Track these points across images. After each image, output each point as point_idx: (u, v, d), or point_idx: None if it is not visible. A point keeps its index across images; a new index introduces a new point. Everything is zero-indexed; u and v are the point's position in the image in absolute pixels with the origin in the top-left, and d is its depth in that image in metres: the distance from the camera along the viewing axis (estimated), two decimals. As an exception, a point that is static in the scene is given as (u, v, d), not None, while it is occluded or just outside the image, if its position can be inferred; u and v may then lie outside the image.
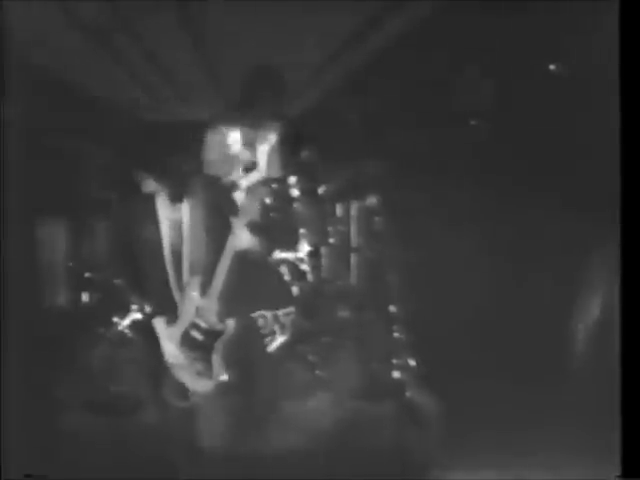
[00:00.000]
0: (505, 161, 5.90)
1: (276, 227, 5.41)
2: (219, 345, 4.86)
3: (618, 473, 3.32)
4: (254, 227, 5.06)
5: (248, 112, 5.39)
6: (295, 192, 5.57)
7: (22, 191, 5.05)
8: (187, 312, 4.89)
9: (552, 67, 5.46)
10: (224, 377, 4.86)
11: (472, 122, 6.00)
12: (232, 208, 5.30)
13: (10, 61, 4.96)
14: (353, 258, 5.73)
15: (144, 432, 4.93)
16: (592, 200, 5.17)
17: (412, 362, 5.42)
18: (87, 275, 5.60)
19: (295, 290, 5.48)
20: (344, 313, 5.58)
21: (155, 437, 4.93)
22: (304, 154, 5.52)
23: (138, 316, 5.36)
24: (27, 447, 4.50)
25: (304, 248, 5.52)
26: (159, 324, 4.95)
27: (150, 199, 5.56)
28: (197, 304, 4.89)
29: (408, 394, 5.25)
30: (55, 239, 5.73)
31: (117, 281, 5.51)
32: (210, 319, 4.84)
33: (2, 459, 4.28)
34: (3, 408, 4.39)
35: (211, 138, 5.41)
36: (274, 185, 5.48)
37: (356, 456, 4.90)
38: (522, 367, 5.54)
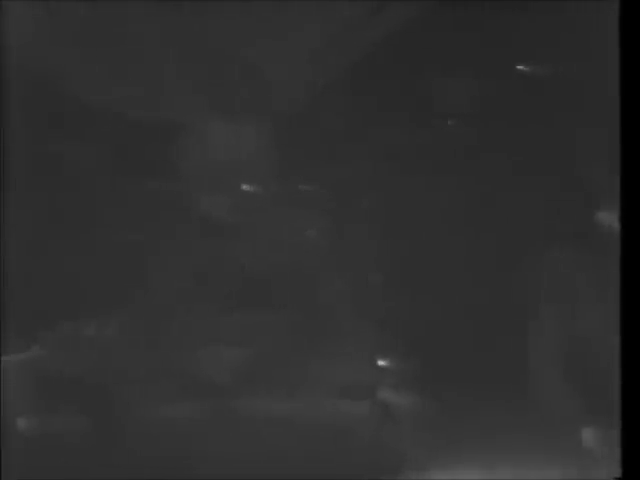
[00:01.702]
0: (495, 164, 5.89)
1: (262, 229, 5.41)
2: None
3: (618, 473, 3.32)
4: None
5: (234, 112, 5.40)
6: (280, 193, 5.56)
7: (20, 194, 5.06)
8: None
9: (520, 67, 5.47)
10: None
11: (450, 122, 5.99)
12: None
13: (10, 61, 4.96)
14: (336, 258, 5.72)
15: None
16: (589, 201, 5.17)
17: (389, 362, 5.41)
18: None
19: (280, 289, 5.47)
20: (324, 311, 5.55)
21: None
22: (289, 155, 5.52)
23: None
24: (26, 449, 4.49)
25: (288, 247, 5.50)
26: None
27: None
28: None
29: (384, 394, 5.22)
30: (53, 245, 5.71)
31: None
32: None
33: (1, 460, 4.27)
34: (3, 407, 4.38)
35: (195, 140, 5.42)
36: (259, 187, 5.49)
37: (332, 456, 4.87)
38: (512, 366, 5.54)
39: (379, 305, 5.63)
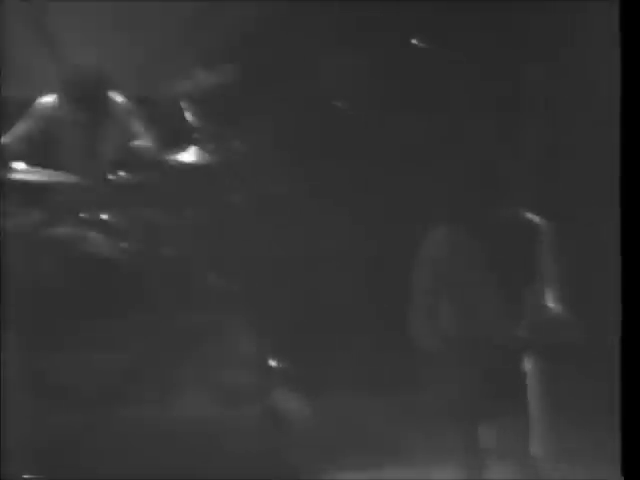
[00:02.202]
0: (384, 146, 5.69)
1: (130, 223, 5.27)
2: None
3: (618, 474, 3.31)
4: None
5: None
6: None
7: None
8: None
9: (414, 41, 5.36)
10: None
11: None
12: None
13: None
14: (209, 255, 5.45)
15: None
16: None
17: (276, 363, 5.22)
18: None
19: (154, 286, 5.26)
20: (202, 314, 5.31)
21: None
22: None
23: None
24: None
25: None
26: None
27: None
28: None
29: (273, 397, 5.04)
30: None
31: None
32: None
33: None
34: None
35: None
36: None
37: (219, 464, 4.70)
38: (402, 362, 5.39)
39: (264, 304, 5.39)
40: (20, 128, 5.33)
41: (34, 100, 5.42)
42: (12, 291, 4.80)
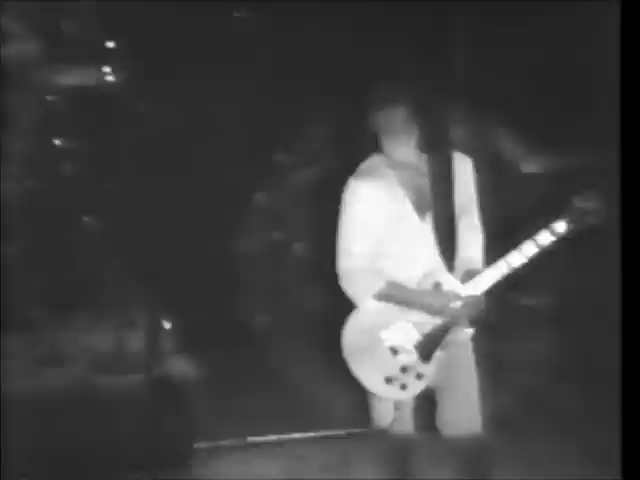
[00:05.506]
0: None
1: None
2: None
3: (618, 474, 3.31)
4: None
5: None
6: None
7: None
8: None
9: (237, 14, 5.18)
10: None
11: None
12: None
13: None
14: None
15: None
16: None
17: (167, 325, 4.92)
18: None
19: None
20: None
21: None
22: None
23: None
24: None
25: None
26: None
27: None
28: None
29: (162, 363, 4.76)
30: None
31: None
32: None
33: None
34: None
35: None
36: None
37: (102, 439, 4.41)
38: None
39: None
40: None
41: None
42: None
